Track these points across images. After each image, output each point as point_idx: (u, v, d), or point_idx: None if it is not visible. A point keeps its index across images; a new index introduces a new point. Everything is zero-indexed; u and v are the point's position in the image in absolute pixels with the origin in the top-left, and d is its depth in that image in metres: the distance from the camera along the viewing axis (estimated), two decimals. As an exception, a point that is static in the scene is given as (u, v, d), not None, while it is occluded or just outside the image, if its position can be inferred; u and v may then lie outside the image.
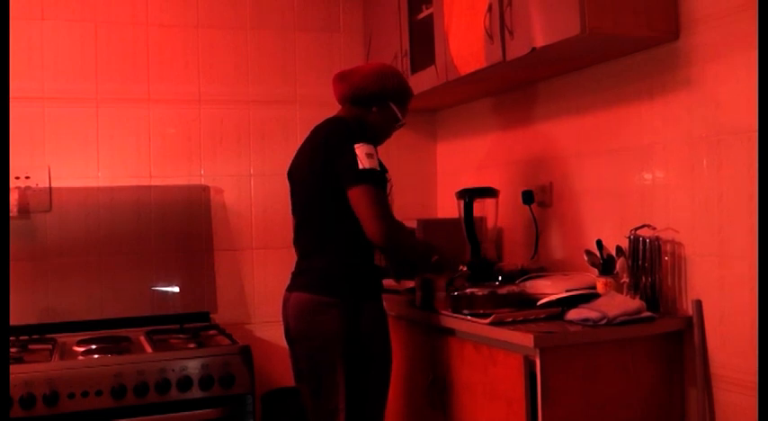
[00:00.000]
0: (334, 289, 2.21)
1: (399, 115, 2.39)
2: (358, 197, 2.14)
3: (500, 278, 2.47)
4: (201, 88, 3.29)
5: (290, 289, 2.33)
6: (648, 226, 2.26)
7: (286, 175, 2.45)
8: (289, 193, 2.43)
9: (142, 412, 2.49)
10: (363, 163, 2.14)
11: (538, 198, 2.81)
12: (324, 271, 2.25)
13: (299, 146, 2.41)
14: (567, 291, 2.27)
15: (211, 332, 2.96)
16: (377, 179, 2.17)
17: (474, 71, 2.60)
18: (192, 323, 3.07)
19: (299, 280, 2.30)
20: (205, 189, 3.26)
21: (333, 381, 2.18)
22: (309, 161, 2.28)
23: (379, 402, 2.28)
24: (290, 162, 2.45)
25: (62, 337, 2.87)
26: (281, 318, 2.37)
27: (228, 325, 3.08)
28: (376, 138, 2.35)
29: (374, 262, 2.35)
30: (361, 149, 2.16)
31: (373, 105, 2.35)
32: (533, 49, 2.27)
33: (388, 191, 2.36)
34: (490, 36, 2.46)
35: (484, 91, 3.08)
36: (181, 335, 2.88)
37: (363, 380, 2.21)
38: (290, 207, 2.43)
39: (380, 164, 2.25)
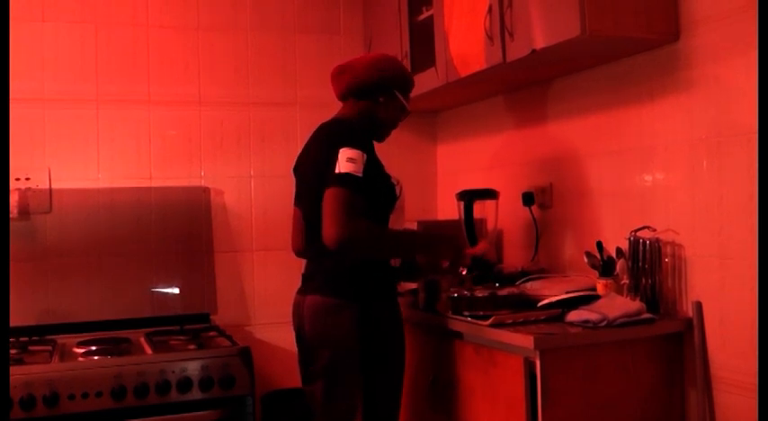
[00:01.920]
0: (349, 290, 2.20)
1: (405, 104, 2.34)
2: (326, 199, 2.08)
3: (500, 279, 2.47)
4: (202, 90, 3.29)
5: (302, 292, 2.30)
6: (648, 227, 2.26)
7: (291, 172, 2.40)
8: (288, 194, 2.41)
9: (142, 413, 2.48)
10: (341, 167, 2.08)
11: (538, 199, 2.81)
12: (337, 272, 2.23)
13: (299, 147, 2.39)
14: (567, 292, 2.27)
15: (211, 333, 2.96)
16: (352, 183, 2.08)
17: (474, 72, 2.60)
18: (191, 324, 3.06)
19: (312, 283, 2.28)
20: (205, 190, 3.26)
21: (349, 382, 2.17)
22: (312, 162, 2.27)
23: (394, 401, 2.29)
24: (297, 157, 2.42)
25: (62, 339, 2.86)
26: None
27: (228, 326, 3.08)
28: (382, 131, 2.35)
29: (389, 261, 2.35)
30: (343, 153, 2.09)
31: (380, 96, 2.29)
32: (533, 50, 2.27)
33: (398, 193, 2.34)
34: (490, 37, 2.46)
35: (484, 92, 3.08)
36: (181, 337, 2.87)
37: (379, 380, 2.21)
38: (289, 209, 2.42)
39: (380, 171, 2.23)
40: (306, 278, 2.33)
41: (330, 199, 2.07)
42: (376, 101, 2.29)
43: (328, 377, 2.21)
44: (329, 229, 2.04)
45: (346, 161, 2.08)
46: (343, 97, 2.35)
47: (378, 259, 2.27)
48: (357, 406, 2.17)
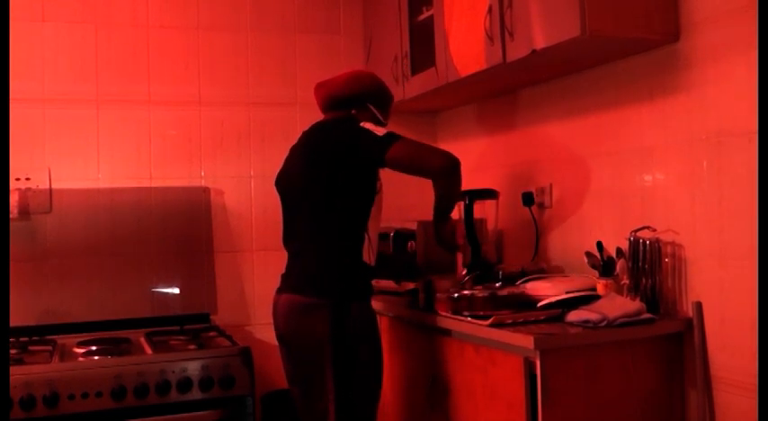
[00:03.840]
0: (323, 290, 2.21)
1: (380, 117, 2.41)
2: (402, 151, 2.17)
3: (500, 279, 2.47)
4: (202, 90, 3.29)
5: (279, 291, 2.33)
6: (649, 227, 2.26)
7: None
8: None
9: (142, 413, 2.48)
10: (379, 131, 2.20)
11: (538, 199, 2.81)
12: (312, 272, 2.25)
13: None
14: (568, 292, 2.27)
15: (211, 333, 2.96)
16: (400, 135, 2.21)
17: (474, 73, 2.60)
18: (192, 324, 3.07)
19: (288, 281, 2.31)
20: (205, 190, 3.26)
21: (322, 382, 2.18)
22: (305, 162, 2.31)
23: (369, 403, 2.28)
24: (278, 172, 2.46)
25: (62, 339, 2.87)
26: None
27: (228, 326, 3.08)
28: None
29: (363, 260, 2.35)
30: (369, 125, 2.23)
31: (352, 108, 2.38)
32: (533, 50, 2.27)
33: (378, 188, 2.35)
34: (490, 38, 2.46)
35: (484, 92, 3.08)
36: (181, 337, 2.88)
37: (353, 381, 2.21)
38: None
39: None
40: (283, 277, 2.35)
41: (406, 148, 2.18)
42: (348, 112, 2.37)
43: (304, 375, 2.23)
44: (437, 158, 2.18)
45: (375, 127, 2.23)
46: (323, 111, 2.44)
47: (455, 195, 2.34)
48: (329, 407, 2.17)
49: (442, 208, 2.36)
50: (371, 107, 2.40)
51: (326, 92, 2.40)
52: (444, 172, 2.20)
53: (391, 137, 2.19)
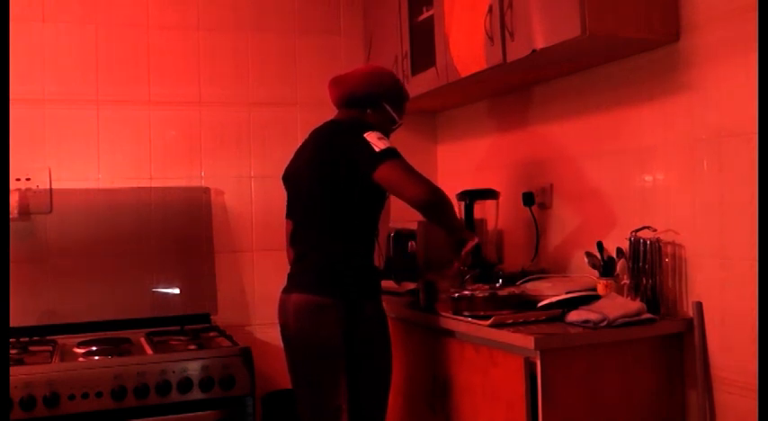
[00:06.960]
0: (334, 289, 2.21)
1: (395, 116, 2.39)
2: (388, 173, 2.13)
3: (500, 280, 2.48)
4: (202, 90, 3.29)
5: (287, 290, 2.32)
6: (649, 228, 2.26)
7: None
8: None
9: (142, 414, 2.49)
10: (378, 146, 2.14)
11: (538, 200, 2.81)
12: (323, 271, 2.25)
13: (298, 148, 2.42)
14: (568, 292, 2.27)
15: (212, 333, 2.96)
16: (398, 154, 2.16)
17: (474, 73, 2.60)
18: (192, 324, 3.07)
19: (298, 280, 2.30)
20: (206, 191, 3.26)
21: (334, 382, 2.18)
22: (312, 162, 2.29)
23: (380, 402, 2.29)
24: (286, 167, 2.45)
25: (62, 339, 2.87)
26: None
27: (229, 326, 3.08)
28: None
29: (374, 262, 2.35)
30: (371, 136, 2.16)
31: (368, 107, 2.36)
32: (534, 50, 2.27)
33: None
34: (490, 38, 2.46)
35: (484, 92, 3.08)
36: (181, 337, 2.87)
37: (364, 380, 2.21)
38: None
39: None
40: (291, 276, 2.34)
41: (393, 170, 2.12)
42: (364, 111, 2.35)
43: (314, 375, 2.23)
44: (416, 189, 2.10)
45: (378, 140, 2.16)
46: (337, 107, 2.41)
47: (445, 222, 2.26)
48: (342, 406, 2.17)
49: (440, 227, 2.29)
50: (387, 106, 2.37)
51: (342, 90, 2.36)
52: (421, 204, 2.12)
53: (385, 155, 2.13)
